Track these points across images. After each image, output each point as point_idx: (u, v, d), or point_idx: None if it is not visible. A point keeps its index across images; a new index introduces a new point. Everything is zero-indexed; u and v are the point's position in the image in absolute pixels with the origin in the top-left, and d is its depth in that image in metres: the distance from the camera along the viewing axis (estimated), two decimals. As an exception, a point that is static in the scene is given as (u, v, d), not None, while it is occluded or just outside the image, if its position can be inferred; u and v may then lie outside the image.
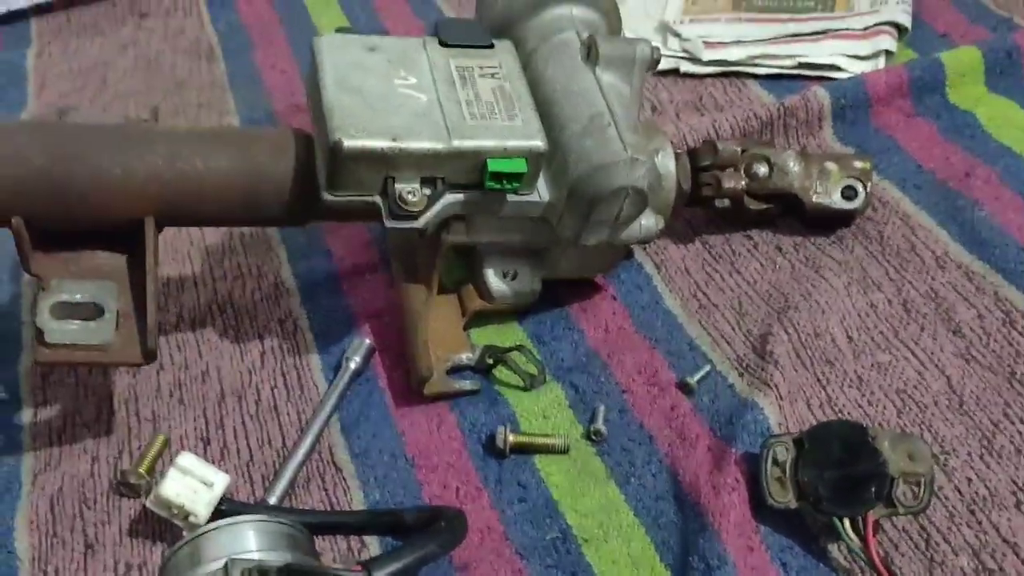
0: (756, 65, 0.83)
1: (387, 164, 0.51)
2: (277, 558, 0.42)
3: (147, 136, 0.53)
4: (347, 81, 0.53)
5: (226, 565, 0.40)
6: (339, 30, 0.58)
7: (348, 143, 0.50)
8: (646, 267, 0.67)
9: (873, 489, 0.48)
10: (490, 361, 0.59)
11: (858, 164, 0.67)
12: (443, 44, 0.58)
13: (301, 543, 0.44)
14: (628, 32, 0.87)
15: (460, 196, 0.53)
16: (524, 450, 0.55)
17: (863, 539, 0.47)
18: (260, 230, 0.70)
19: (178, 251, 0.68)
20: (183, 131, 0.55)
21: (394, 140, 0.51)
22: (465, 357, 0.59)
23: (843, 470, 0.49)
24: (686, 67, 0.84)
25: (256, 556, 0.42)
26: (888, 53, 0.82)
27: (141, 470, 0.53)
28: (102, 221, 0.52)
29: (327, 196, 0.52)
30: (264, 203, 0.54)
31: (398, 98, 0.53)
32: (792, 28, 0.84)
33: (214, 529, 0.43)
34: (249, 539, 0.43)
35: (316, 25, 0.95)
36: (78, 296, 0.51)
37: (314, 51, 0.55)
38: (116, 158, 0.51)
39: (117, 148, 0.52)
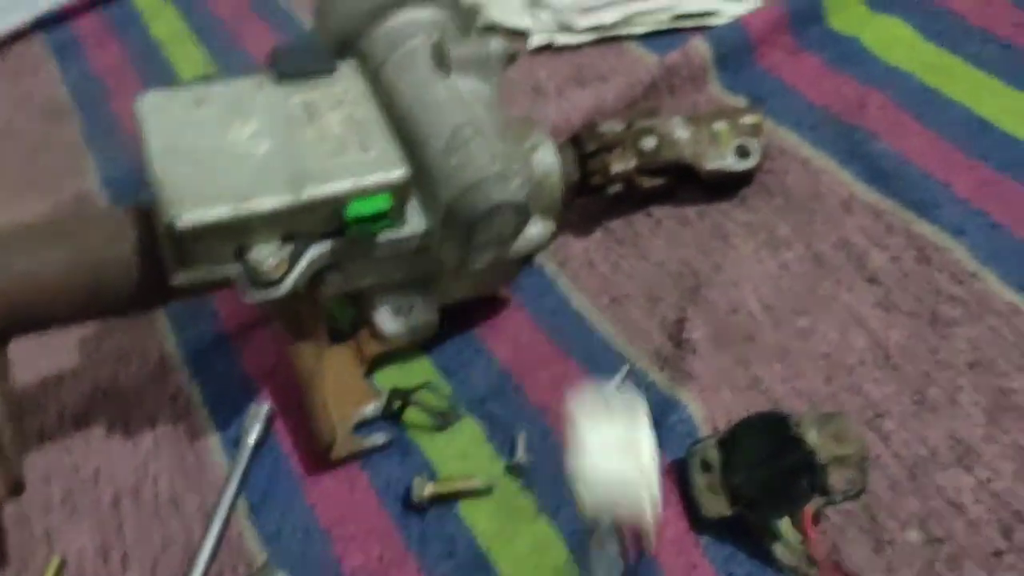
0: (632, 25, 0.79)
1: (235, 232, 0.46)
2: None
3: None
4: (175, 145, 0.48)
5: None
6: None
7: (184, 218, 0.45)
8: (549, 268, 0.63)
9: (805, 482, 0.45)
10: (397, 405, 0.56)
11: (747, 120, 0.64)
12: (281, 77, 0.53)
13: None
14: (498, 11, 0.83)
15: (326, 246, 0.49)
16: (444, 499, 0.51)
17: (804, 535, 0.45)
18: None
19: (50, 345, 0.63)
20: (7, 233, 0.50)
21: (237, 204, 0.46)
22: (370, 409, 0.55)
23: (771, 467, 0.46)
24: (561, 39, 0.80)
25: None
26: (764, -11, 0.78)
27: (38, 604, 0.49)
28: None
29: (176, 278, 0.47)
30: (111, 295, 0.49)
31: (236, 154, 0.48)
32: (663, -21, 0.80)
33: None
34: None
35: (174, 64, 0.88)
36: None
37: (136, 116, 0.50)
38: None
39: None
